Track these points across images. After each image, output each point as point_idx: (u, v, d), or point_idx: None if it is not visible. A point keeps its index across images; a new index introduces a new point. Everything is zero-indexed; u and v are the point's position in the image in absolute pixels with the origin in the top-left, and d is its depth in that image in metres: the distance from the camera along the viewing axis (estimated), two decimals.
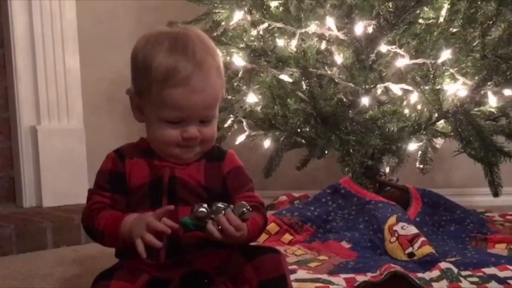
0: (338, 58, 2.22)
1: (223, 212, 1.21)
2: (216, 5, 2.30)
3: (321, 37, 2.24)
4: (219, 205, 1.22)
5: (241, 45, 2.29)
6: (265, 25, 2.27)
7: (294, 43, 2.24)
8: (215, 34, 2.29)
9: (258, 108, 2.35)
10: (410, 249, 1.84)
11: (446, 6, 2.20)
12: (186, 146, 1.29)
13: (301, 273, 1.69)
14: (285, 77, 2.25)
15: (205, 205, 1.21)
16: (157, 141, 1.30)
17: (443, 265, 1.68)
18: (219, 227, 1.20)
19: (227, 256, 1.28)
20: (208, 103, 1.28)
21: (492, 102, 2.17)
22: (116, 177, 1.31)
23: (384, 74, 2.22)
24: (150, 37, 1.30)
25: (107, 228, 1.26)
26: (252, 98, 2.30)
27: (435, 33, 2.17)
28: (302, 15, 2.23)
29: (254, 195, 1.33)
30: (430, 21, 2.22)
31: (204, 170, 1.32)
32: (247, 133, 2.39)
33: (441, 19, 2.20)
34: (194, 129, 1.28)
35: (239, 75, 2.28)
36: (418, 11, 2.11)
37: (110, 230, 1.25)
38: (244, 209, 1.21)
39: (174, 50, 1.26)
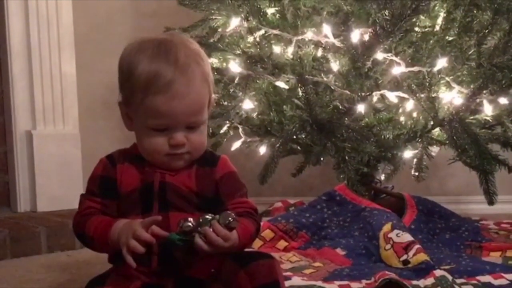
0: (334, 65, 2.22)
1: (209, 224, 1.20)
2: (213, 11, 2.31)
3: (317, 44, 2.24)
4: (206, 216, 1.21)
5: (238, 52, 2.29)
6: (262, 31, 2.27)
7: (290, 50, 2.24)
8: (211, 41, 2.30)
9: (254, 115, 2.35)
10: (405, 257, 1.84)
11: (442, 14, 2.21)
12: (174, 154, 1.28)
13: (296, 280, 1.69)
14: (281, 84, 2.26)
15: (191, 219, 1.20)
16: (145, 149, 1.29)
17: (438, 272, 1.68)
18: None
19: (220, 263, 1.27)
20: (192, 108, 1.26)
21: (488, 110, 2.17)
22: (106, 183, 1.31)
23: (380, 81, 2.22)
24: (134, 44, 1.29)
25: (97, 234, 1.26)
26: (248, 104, 2.30)
27: (431, 41, 2.18)
28: (298, 22, 2.23)
29: (246, 201, 1.32)
30: (426, 29, 2.23)
31: (195, 176, 1.31)
32: (243, 139, 2.39)
33: (437, 28, 2.21)
34: (181, 136, 1.27)
35: (235, 82, 2.28)
36: (414, 19, 2.12)
37: (100, 236, 1.25)
38: (230, 219, 1.20)
39: (157, 56, 1.25)
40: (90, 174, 1.34)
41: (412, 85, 2.15)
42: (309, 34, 2.22)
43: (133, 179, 1.30)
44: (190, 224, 1.20)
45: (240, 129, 2.37)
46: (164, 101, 1.24)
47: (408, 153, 2.28)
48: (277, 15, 2.28)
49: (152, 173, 1.30)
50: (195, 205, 1.28)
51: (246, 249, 1.31)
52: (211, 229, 1.20)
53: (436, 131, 2.21)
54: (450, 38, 2.19)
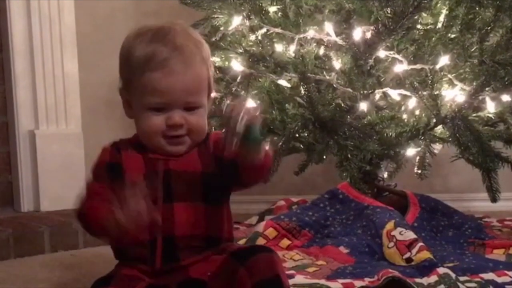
0: (337, 64, 2.22)
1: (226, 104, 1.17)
2: (214, 10, 2.31)
3: (319, 42, 2.24)
4: (225, 129, 1.17)
5: (240, 50, 2.29)
6: (264, 30, 2.27)
7: (292, 48, 2.24)
8: (213, 39, 2.30)
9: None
10: (408, 254, 1.84)
11: (444, 12, 2.21)
12: (172, 136, 1.27)
13: (299, 278, 1.69)
14: (283, 82, 2.26)
15: (223, 107, 1.17)
16: (143, 131, 1.28)
17: (441, 270, 1.68)
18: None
19: (222, 263, 1.26)
20: (189, 86, 1.26)
21: (490, 107, 2.17)
22: (114, 169, 1.29)
23: (382, 79, 2.22)
24: (134, 31, 1.31)
25: (94, 214, 1.22)
26: (250, 103, 2.30)
27: (433, 38, 2.18)
28: (300, 21, 2.23)
29: None
30: (428, 27, 2.23)
31: (198, 157, 1.29)
32: None
33: (439, 25, 2.21)
34: (178, 116, 1.26)
35: (238, 80, 2.28)
36: (416, 17, 2.12)
37: (97, 217, 1.20)
38: (226, 104, 1.19)
39: (155, 39, 1.26)
40: (95, 162, 1.33)
41: (415, 83, 2.15)
42: (311, 32, 2.22)
43: (138, 167, 1.29)
44: (232, 128, 1.14)
45: None
46: (161, 76, 1.24)
47: (410, 151, 2.28)
48: (279, 13, 2.28)
49: (156, 161, 1.28)
50: (201, 190, 1.27)
51: (246, 246, 1.30)
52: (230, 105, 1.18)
53: (439, 128, 2.20)
54: (452, 36, 2.19)
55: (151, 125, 1.26)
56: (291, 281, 1.57)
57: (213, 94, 1.36)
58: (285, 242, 2.06)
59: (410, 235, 1.90)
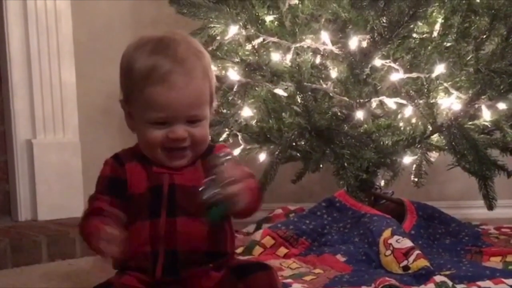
0: (333, 72, 2.23)
1: (216, 175, 1.15)
2: (211, 19, 2.31)
3: (315, 51, 2.25)
4: (207, 180, 1.17)
5: (236, 60, 2.30)
6: (260, 39, 2.28)
7: (289, 57, 2.25)
8: (210, 49, 2.30)
9: (253, 122, 2.35)
10: (405, 262, 1.84)
11: (440, 20, 2.22)
12: (172, 149, 1.25)
13: (296, 287, 1.69)
14: (280, 91, 2.26)
15: (202, 189, 1.16)
16: (144, 144, 1.27)
17: (438, 278, 1.69)
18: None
19: (221, 279, 1.26)
20: (191, 101, 1.24)
21: (486, 116, 2.18)
22: (116, 183, 1.28)
23: (378, 88, 2.23)
24: (134, 42, 1.29)
25: (88, 236, 1.23)
26: (247, 112, 2.31)
27: (429, 47, 2.19)
28: (297, 30, 2.24)
29: (242, 167, 1.26)
30: (424, 36, 2.24)
31: (203, 171, 1.27)
32: (242, 146, 2.39)
33: (435, 34, 2.22)
34: (181, 130, 1.24)
35: (234, 89, 2.29)
36: (412, 26, 2.12)
37: (89, 239, 1.22)
38: (219, 154, 1.18)
39: (155, 51, 1.24)
40: (98, 176, 1.32)
41: (411, 91, 2.16)
42: (307, 41, 2.22)
43: (142, 181, 1.27)
44: (210, 188, 1.15)
45: (240, 137, 2.37)
46: (162, 91, 1.22)
47: (407, 159, 2.29)
48: (275, 22, 2.29)
49: (161, 175, 1.27)
50: (204, 206, 1.25)
51: (245, 260, 1.30)
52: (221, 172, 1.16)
53: (435, 136, 2.21)
54: (448, 44, 2.20)
55: (152, 138, 1.25)
56: None
57: (215, 103, 1.34)
58: (283, 250, 2.07)
59: (407, 243, 1.90)
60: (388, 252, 1.91)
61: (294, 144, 2.23)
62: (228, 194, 1.15)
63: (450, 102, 2.17)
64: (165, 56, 1.23)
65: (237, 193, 1.16)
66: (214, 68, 2.30)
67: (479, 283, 1.69)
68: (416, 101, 2.14)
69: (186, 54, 1.25)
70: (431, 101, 2.15)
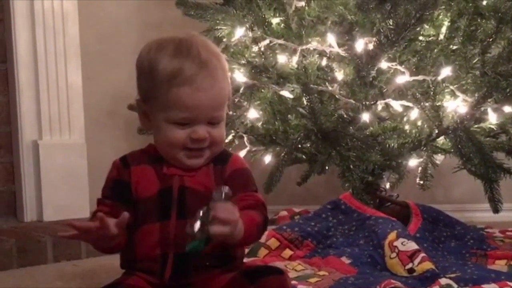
0: (339, 75, 2.23)
1: (209, 211, 1.14)
2: (218, 21, 2.32)
3: (322, 53, 2.25)
4: (200, 210, 1.16)
5: (243, 61, 2.30)
6: (267, 41, 2.28)
7: (295, 59, 2.25)
8: None
9: (259, 124, 2.36)
10: (410, 265, 1.84)
11: (446, 23, 2.22)
12: (193, 149, 1.27)
13: None
14: (286, 93, 2.27)
15: (191, 222, 1.15)
16: (164, 144, 1.28)
17: (443, 281, 1.69)
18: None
19: (231, 280, 1.25)
20: (215, 102, 1.26)
21: (492, 119, 2.18)
22: (120, 186, 1.29)
23: (384, 90, 2.23)
24: (153, 43, 1.30)
25: None
26: (253, 114, 2.31)
27: (435, 50, 2.19)
28: (303, 32, 2.25)
29: (253, 194, 1.29)
30: (430, 38, 2.24)
31: (213, 174, 1.29)
32: (248, 148, 2.39)
33: (441, 37, 2.22)
34: (203, 130, 1.26)
35: (240, 91, 2.29)
36: (418, 29, 2.12)
37: None
38: (222, 190, 1.17)
39: (179, 52, 1.26)
40: (106, 177, 1.33)
41: (417, 94, 2.16)
42: (313, 44, 2.23)
43: (151, 184, 1.28)
44: (198, 221, 1.14)
45: (245, 138, 2.38)
46: (190, 92, 1.24)
47: (413, 162, 2.29)
48: (282, 25, 2.29)
49: (171, 177, 1.28)
50: None
51: (257, 264, 1.29)
52: (216, 209, 1.15)
53: (441, 139, 2.21)
54: (454, 47, 2.20)
55: (174, 138, 1.26)
56: None
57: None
58: (287, 252, 2.07)
59: (412, 245, 1.90)
60: (393, 254, 1.91)
61: (299, 146, 2.23)
62: (210, 234, 1.14)
63: (456, 105, 2.17)
64: (189, 58, 1.25)
65: (220, 234, 1.14)
66: None
67: (484, 286, 1.69)
68: (422, 103, 2.15)
69: (208, 56, 1.27)
70: (437, 104, 2.16)
